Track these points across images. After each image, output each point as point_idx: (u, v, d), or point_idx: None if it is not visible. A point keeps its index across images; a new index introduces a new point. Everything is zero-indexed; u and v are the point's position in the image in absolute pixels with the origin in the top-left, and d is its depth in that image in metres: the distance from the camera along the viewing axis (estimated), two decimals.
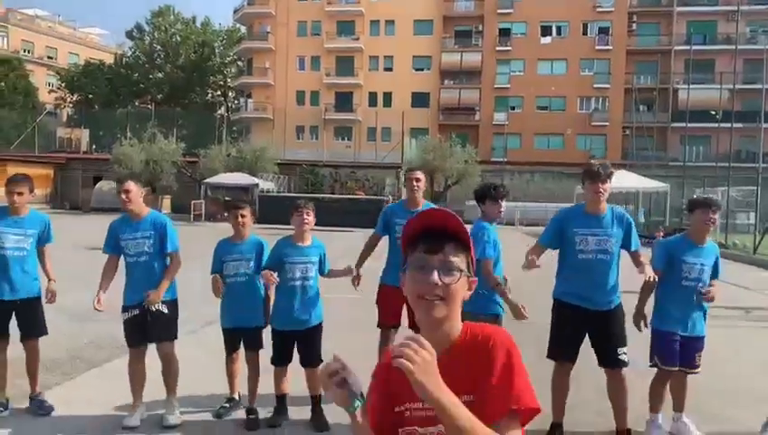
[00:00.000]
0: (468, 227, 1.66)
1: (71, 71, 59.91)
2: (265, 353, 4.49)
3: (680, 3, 45.56)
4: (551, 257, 4.27)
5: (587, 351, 4.17)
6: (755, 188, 20.82)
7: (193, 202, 31.50)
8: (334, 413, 4.36)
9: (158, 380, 4.43)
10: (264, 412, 4.41)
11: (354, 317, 6.75)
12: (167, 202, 35.19)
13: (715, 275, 4.31)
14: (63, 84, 59.45)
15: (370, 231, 5.19)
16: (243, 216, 4.47)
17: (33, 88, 53.83)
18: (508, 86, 47.81)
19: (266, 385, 4.45)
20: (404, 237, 1.47)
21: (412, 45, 48.91)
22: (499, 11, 47.59)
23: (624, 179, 25.47)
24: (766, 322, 8.90)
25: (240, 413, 4.49)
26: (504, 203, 4.42)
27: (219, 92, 64.64)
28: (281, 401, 4.41)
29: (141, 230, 4.34)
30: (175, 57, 59.40)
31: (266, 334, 4.53)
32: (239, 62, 58.65)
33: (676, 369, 4.20)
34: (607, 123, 46.06)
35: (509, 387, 1.36)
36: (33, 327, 4.47)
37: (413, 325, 4.65)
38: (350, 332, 5.68)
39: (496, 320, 4.26)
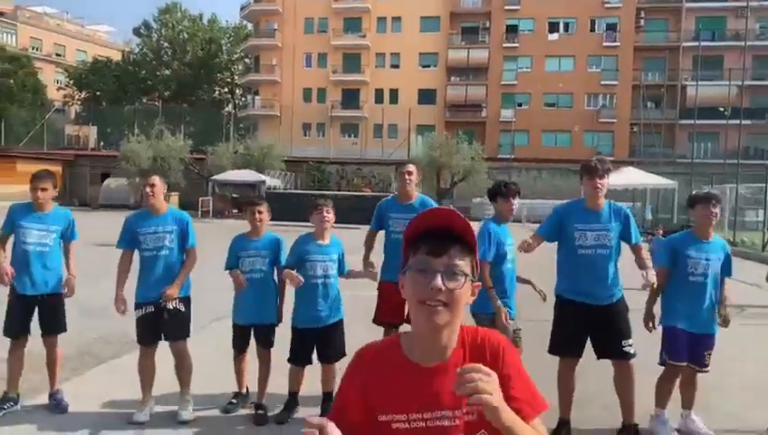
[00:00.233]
0: (475, 226, 1.63)
1: (79, 68, 60.17)
2: (275, 350, 4.51)
3: None
4: (551, 254, 4.27)
5: (589, 345, 4.18)
6: (764, 185, 20.67)
7: (200, 199, 31.62)
8: None
9: (163, 376, 4.46)
10: (272, 409, 4.42)
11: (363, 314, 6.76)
12: (174, 199, 35.24)
13: (727, 273, 4.28)
14: (71, 81, 59.71)
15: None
16: (260, 212, 4.50)
17: (42, 85, 54.07)
18: (515, 83, 47.67)
19: (274, 382, 4.48)
20: (406, 237, 1.39)
21: (419, 42, 48.81)
22: (506, 7, 47.43)
23: (632, 176, 25.38)
24: None
25: (247, 409, 4.51)
26: (516, 201, 4.38)
27: (226, 89, 64.76)
28: (293, 397, 4.42)
29: (162, 224, 4.36)
30: (182, 54, 59.54)
31: (277, 332, 4.56)
32: (246, 60, 58.72)
33: (684, 365, 4.19)
34: (614, 120, 45.87)
35: (530, 393, 1.38)
36: (54, 324, 4.48)
37: (389, 319, 4.67)
38: (368, 329, 5.69)
39: (493, 318, 4.20)
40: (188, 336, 4.47)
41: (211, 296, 4.54)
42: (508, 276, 4.34)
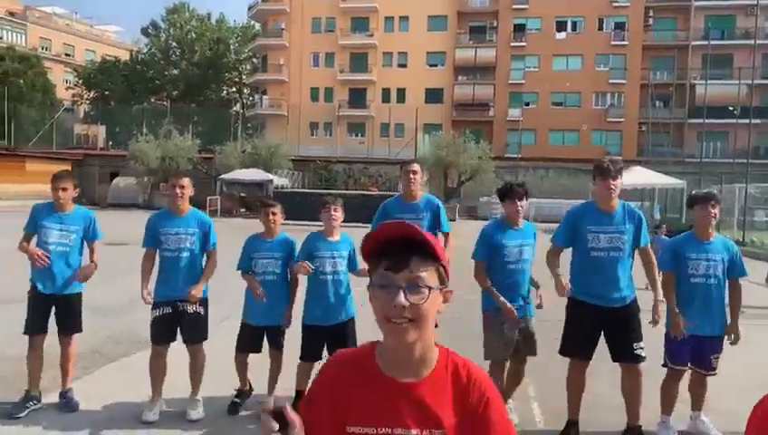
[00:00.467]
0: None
1: (87, 68, 60.50)
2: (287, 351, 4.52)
3: None
4: (564, 255, 4.26)
5: (598, 347, 4.16)
6: None
7: (208, 198, 31.72)
8: None
9: (171, 375, 4.48)
10: None
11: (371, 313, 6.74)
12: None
13: (740, 273, 4.22)
14: (80, 81, 60.04)
15: None
16: (273, 213, 4.51)
17: (51, 85, 54.38)
18: (523, 82, 47.53)
19: (280, 384, 4.49)
20: (364, 252, 1.32)
21: (426, 41, 48.76)
22: (514, 6, 47.30)
23: (640, 176, 25.25)
24: None
25: (251, 410, 4.52)
26: (522, 203, 4.34)
27: (234, 89, 64.92)
28: (300, 396, 4.43)
29: (185, 226, 4.39)
30: (190, 54, 59.73)
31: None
32: (254, 59, 58.86)
33: (686, 369, 4.16)
34: (622, 119, 45.67)
35: None
36: (71, 324, 4.51)
37: None
38: (369, 329, 5.69)
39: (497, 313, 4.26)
40: (206, 339, 4.50)
41: (221, 295, 4.55)
42: (513, 277, 4.32)
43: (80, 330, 4.59)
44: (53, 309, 4.45)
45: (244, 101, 63.21)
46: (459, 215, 31.03)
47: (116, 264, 9.67)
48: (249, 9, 55.33)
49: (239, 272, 4.56)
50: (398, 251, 1.26)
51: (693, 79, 43.70)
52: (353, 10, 49.94)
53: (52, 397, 4.56)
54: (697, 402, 4.31)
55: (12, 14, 62.35)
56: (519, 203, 4.32)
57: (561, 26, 47.24)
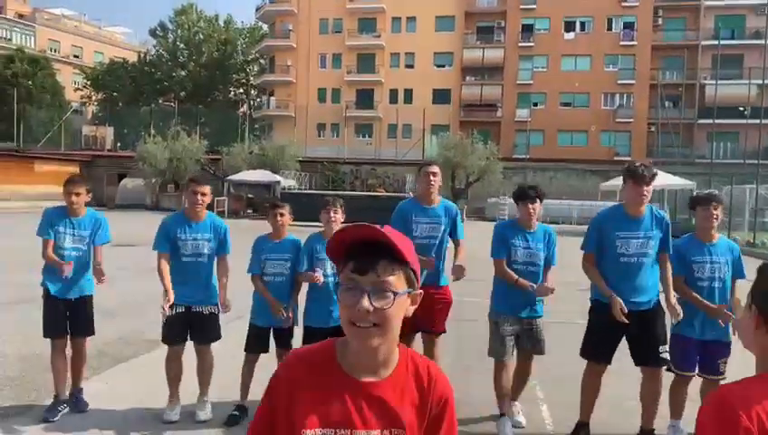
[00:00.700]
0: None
1: (96, 69, 60.85)
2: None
3: None
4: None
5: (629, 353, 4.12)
6: None
7: (216, 199, 31.80)
8: None
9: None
10: None
11: None
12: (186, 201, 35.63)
13: (739, 275, 4.14)
14: (89, 83, 60.38)
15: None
16: (281, 215, 4.49)
17: (60, 87, 54.73)
18: (531, 82, 47.41)
19: None
20: (330, 252, 1.29)
21: (433, 42, 48.73)
22: (522, 6, 47.19)
23: None
24: None
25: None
26: (534, 206, 4.34)
27: (242, 90, 65.11)
28: None
29: (201, 232, 4.40)
30: (198, 55, 59.95)
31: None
32: (261, 60, 59.03)
33: (692, 375, 4.10)
34: (631, 120, 45.45)
35: None
36: (84, 327, 4.53)
37: (410, 330, 4.60)
38: None
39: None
40: (219, 338, 4.52)
41: (229, 296, 4.54)
42: (521, 276, 4.33)
43: (92, 333, 4.61)
44: (67, 312, 4.47)
45: (252, 102, 63.37)
46: (467, 216, 30.97)
47: (124, 265, 9.69)
48: (257, 10, 55.53)
49: (249, 275, 4.54)
50: (366, 254, 1.23)
51: (703, 79, 43.46)
52: (360, 11, 49.98)
53: (47, 400, 4.52)
54: None
55: (21, 16, 62.84)
56: (531, 206, 4.33)
57: (569, 26, 47.08)
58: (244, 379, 4.51)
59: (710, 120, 32.39)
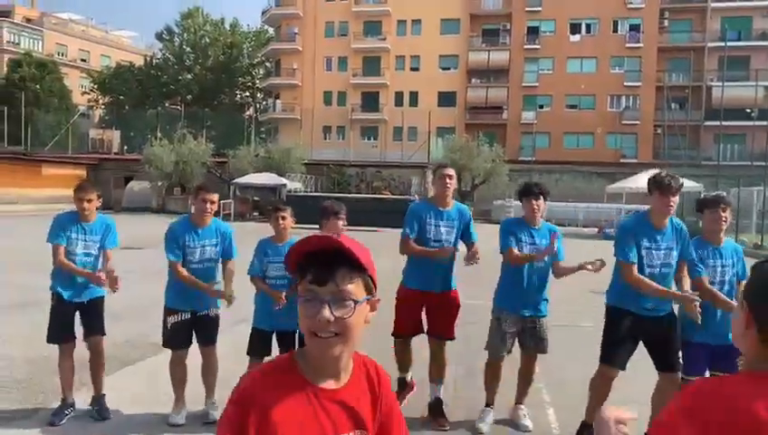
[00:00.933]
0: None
1: (103, 73, 61.17)
2: None
3: None
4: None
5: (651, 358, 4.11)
6: None
7: (222, 202, 31.86)
8: None
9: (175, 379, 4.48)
10: None
11: (384, 318, 6.72)
12: (193, 208, 35.73)
13: (742, 277, 4.08)
14: (96, 86, 60.70)
15: (397, 231, 5.03)
16: (283, 218, 4.49)
17: (67, 90, 55.05)
18: (536, 85, 47.34)
19: None
20: (289, 263, 1.29)
21: (439, 44, 48.74)
22: (527, 9, 47.14)
23: None
24: None
25: None
26: (537, 202, 4.42)
27: (248, 93, 65.30)
28: None
29: (208, 238, 4.45)
30: (204, 59, 60.17)
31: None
32: (267, 64, 59.17)
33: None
34: (638, 122, 45.30)
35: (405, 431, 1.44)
36: (98, 326, 4.54)
37: (411, 332, 4.56)
38: (381, 335, 5.66)
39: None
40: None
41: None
42: (528, 275, 4.38)
43: (103, 332, 4.61)
44: (77, 316, 4.49)
45: (258, 105, 63.56)
46: (473, 218, 30.93)
47: (131, 268, 9.71)
48: (263, 14, 55.71)
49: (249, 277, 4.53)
50: (323, 263, 1.24)
51: (709, 81, 43.30)
52: (366, 14, 50.07)
53: (54, 403, 4.53)
54: None
55: (29, 20, 63.26)
56: (535, 202, 4.40)
57: (575, 28, 47.00)
58: None
59: (717, 122, 32.32)
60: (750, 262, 4.10)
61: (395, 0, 49.35)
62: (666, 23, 46.37)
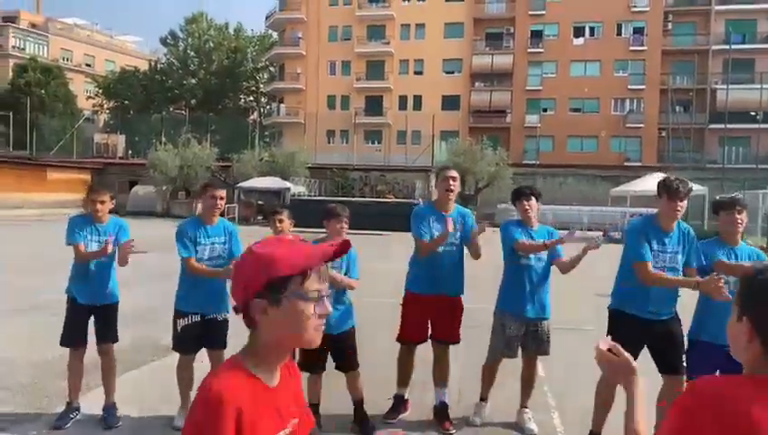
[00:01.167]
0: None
1: (107, 78, 61.39)
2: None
3: (718, 1, 44.45)
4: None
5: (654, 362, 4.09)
6: None
7: (226, 206, 31.94)
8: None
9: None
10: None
11: (389, 322, 6.72)
12: (201, 206, 35.82)
13: None
14: (101, 91, 60.93)
15: (401, 234, 5.06)
16: (281, 221, 4.51)
17: (72, 95, 55.25)
18: (540, 88, 47.30)
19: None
20: (287, 267, 1.34)
21: (442, 48, 48.78)
22: (531, 12, 47.14)
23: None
24: None
25: None
26: (529, 203, 4.51)
27: (252, 98, 65.46)
28: (313, 409, 4.35)
29: (216, 236, 4.46)
30: (208, 63, 60.37)
31: None
32: (271, 68, 59.33)
33: None
34: (642, 125, 45.19)
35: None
36: (109, 332, 4.55)
37: (417, 338, 4.55)
38: (390, 338, 5.65)
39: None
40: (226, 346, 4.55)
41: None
42: (529, 276, 4.43)
43: (116, 339, 4.63)
44: (92, 319, 4.50)
45: (262, 109, 63.70)
46: (476, 222, 30.88)
47: (135, 271, 9.73)
48: (266, 18, 55.87)
49: None
50: (320, 264, 1.39)
51: (714, 84, 43.21)
52: (369, 18, 50.15)
53: (59, 407, 4.53)
54: None
55: (34, 25, 63.58)
56: (527, 203, 4.50)
57: (578, 32, 46.95)
58: None
59: (721, 125, 32.33)
60: None
61: (398, 4, 49.46)
62: (670, 26, 46.31)
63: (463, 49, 48.77)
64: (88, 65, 65.36)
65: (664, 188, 3.94)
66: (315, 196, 35.01)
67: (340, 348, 4.30)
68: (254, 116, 61.82)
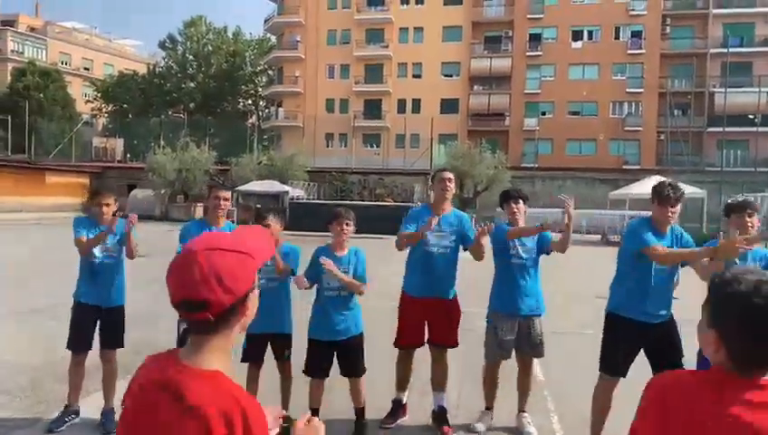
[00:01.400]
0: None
1: (106, 81, 61.43)
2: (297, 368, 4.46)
3: (716, 5, 44.58)
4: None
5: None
6: None
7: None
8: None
9: None
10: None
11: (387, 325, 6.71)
12: (199, 210, 35.79)
13: None
14: (99, 95, 60.95)
15: None
16: (266, 226, 4.52)
17: (71, 99, 55.27)
18: (539, 91, 47.38)
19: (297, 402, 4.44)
20: (264, 258, 1.40)
21: (441, 52, 48.87)
22: (529, 16, 47.25)
23: None
24: None
25: None
26: (517, 206, 4.58)
27: (250, 101, 65.53)
28: (314, 414, 4.33)
29: None
30: (207, 67, 60.44)
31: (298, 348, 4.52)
32: (270, 72, 59.39)
33: None
34: (640, 128, 45.26)
35: None
36: (114, 338, 4.54)
37: (414, 342, 4.55)
38: (382, 341, 5.65)
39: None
40: None
41: None
42: (518, 272, 4.49)
43: (122, 345, 4.61)
44: (98, 324, 4.49)
45: (260, 112, 63.77)
46: (475, 225, 30.88)
47: (135, 275, 9.71)
48: (265, 22, 55.94)
49: None
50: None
51: (712, 87, 43.28)
52: (368, 22, 50.24)
53: (56, 412, 4.51)
54: None
55: (33, 29, 63.64)
56: (514, 206, 4.61)
57: (577, 35, 47.05)
58: (250, 390, 4.49)
59: (720, 128, 32.32)
60: None
61: (397, 8, 49.56)
62: (668, 29, 46.41)
63: (461, 52, 48.85)
64: (86, 69, 65.39)
65: (655, 194, 3.98)
66: (314, 199, 35.01)
67: (347, 354, 4.28)
68: (253, 120, 61.89)
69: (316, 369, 4.27)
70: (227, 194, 4.59)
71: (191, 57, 61.68)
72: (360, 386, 4.33)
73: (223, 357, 1.32)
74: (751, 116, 39.86)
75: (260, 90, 62.43)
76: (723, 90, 34.19)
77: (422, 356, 4.72)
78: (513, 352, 4.59)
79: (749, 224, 3.98)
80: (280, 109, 53.61)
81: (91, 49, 67.49)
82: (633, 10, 45.64)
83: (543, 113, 47.46)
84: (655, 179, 25.52)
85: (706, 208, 26.29)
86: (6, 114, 45.25)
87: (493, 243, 4.56)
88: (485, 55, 48.77)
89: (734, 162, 38.99)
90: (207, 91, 59.73)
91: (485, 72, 48.51)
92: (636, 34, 46.01)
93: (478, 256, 4.52)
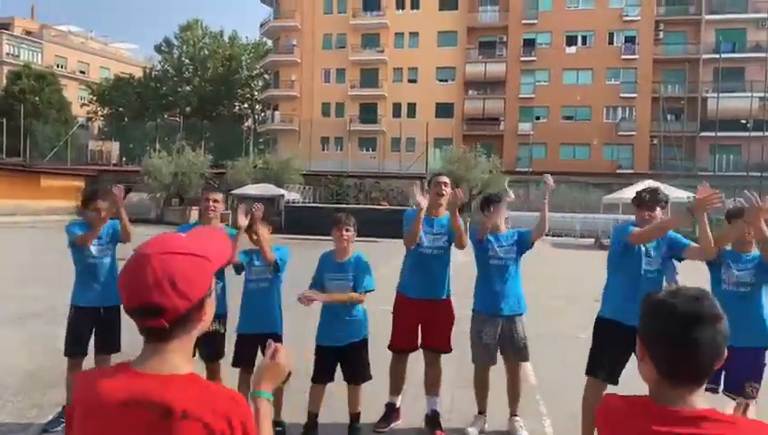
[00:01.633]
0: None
1: (102, 85, 61.27)
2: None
3: (708, 11, 44.89)
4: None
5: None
6: None
7: (220, 213, 31.87)
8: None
9: None
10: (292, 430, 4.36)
11: (382, 329, 6.73)
12: (194, 213, 35.75)
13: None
14: (95, 98, 60.80)
15: (396, 241, 5.10)
16: (215, 201, 4.65)
17: (66, 102, 55.11)
18: (533, 96, 47.54)
19: (295, 404, 4.48)
20: (222, 261, 1.39)
21: (436, 57, 48.99)
22: (524, 21, 47.44)
23: None
24: None
25: None
26: (495, 210, 4.60)
27: (246, 105, 65.47)
28: (312, 418, 4.34)
29: None
30: (203, 71, 60.38)
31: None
32: (266, 75, 59.41)
33: (716, 392, 4.00)
34: (634, 133, 45.46)
35: None
36: (110, 342, 4.50)
37: (408, 346, 4.59)
38: (378, 345, 5.69)
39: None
40: (223, 356, 4.56)
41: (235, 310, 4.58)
42: (497, 272, 4.54)
43: (119, 349, 4.56)
44: (92, 327, 4.47)
45: (256, 116, 63.71)
46: (469, 228, 30.93)
47: None
48: (261, 26, 56.00)
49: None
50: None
51: (704, 92, 43.55)
52: (364, 26, 50.34)
53: (50, 417, 4.51)
54: None
55: (28, 32, 63.46)
56: (492, 208, 4.62)
57: (571, 41, 47.26)
58: (245, 393, 4.48)
59: (712, 133, 32.62)
60: None
61: (392, 13, 49.68)
62: (661, 35, 46.67)
63: (456, 57, 49.00)
64: (82, 72, 65.25)
65: (635, 199, 4.13)
66: (309, 203, 35.03)
67: (350, 360, 4.27)
68: (249, 123, 61.81)
69: (322, 375, 4.29)
70: (218, 196, 4.61)
71: (187, 61, 61.60)
72: (358, 393, 4.33)
73: (187, 358, 1.28)
74: (743, 121, 40.11)
75: (256, 93, 62.41)
76: (715, 95, 34.49)
77: (416, 360, 4.76)
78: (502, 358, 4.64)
79: (747, 229, 3.93)
80: (276, 112, 53.59)
81: (87, 52, 67.33)
82: (627, 16, 45.90)
83: (538, 118, 47.60)
84: (648, 184, 25.71)
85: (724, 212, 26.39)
86: (1, 117, 45.15)
87: (472, 244, 4.66)
88: (480, 60, 48.93)
89: (727, 167, 39.23)
90: (203, 94, 59.68)
91: (480, 76, 48.65)
92: (629, 40, 46.23)
93: (459, 242, 4.54)
